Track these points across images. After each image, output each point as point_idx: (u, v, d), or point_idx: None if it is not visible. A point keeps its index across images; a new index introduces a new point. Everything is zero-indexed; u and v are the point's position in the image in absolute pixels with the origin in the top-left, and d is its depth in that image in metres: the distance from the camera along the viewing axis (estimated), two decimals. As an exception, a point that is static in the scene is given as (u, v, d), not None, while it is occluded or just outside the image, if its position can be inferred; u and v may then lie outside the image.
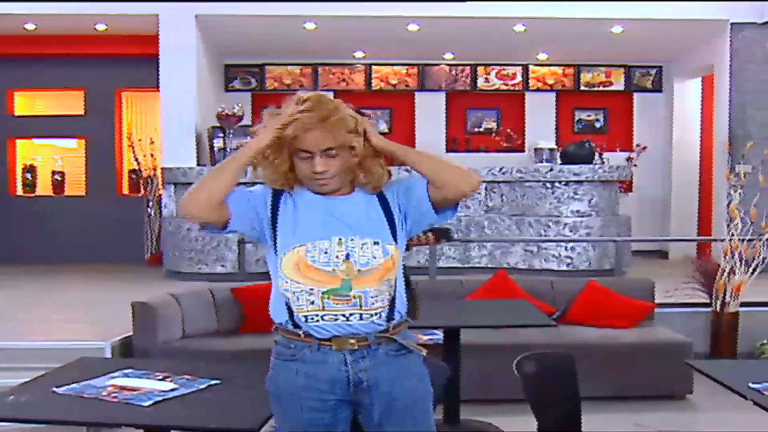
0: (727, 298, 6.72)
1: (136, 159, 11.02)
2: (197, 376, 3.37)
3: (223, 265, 8.79)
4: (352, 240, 2.59)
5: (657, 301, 6.61)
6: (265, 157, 2.62)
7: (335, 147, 2.57)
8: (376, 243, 2.60)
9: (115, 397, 3.11)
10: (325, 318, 2.59)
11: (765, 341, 6.71)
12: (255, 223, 2.65)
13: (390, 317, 2.65)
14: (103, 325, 6.35)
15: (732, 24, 9.85)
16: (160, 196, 10.23)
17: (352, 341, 2.61)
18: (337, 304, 2.58)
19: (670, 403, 5.80)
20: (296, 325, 2.63)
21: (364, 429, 2.69)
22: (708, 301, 6.85)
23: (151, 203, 10.78)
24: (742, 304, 6.78)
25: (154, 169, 10.73)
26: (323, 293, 2.57)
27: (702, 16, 9.73)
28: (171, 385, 3.24)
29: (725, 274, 6.72)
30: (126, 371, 3.45)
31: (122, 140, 11.48)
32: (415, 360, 2.71)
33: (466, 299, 6.34)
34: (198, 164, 9.50)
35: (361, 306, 2.59)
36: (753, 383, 3.19)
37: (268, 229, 2.64)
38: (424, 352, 2.74)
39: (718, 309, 6.75)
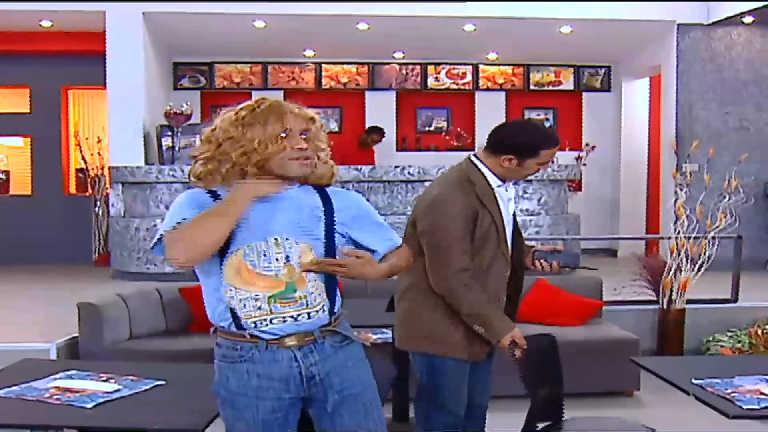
0: (674, 296, 6.79)
1: (83, 158, 10.88)
2: (142, 376, 3.33)
3: (171, 265, 8.67)
4: (287, 240, 2.59)
5: (605, 299, 6.65)
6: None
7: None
8: (297, 242, 2.61)
9: (57, 399, 3.06)
10: (274, 321, 2.60)
11: (711, 338, 6.79)
12: None
13: (332, 311, 2.68)
14: (48, 327, 6.26)
15: (679, 25, 9.97)
16: (107, 195, 10.08)
17: (299, 337, 2.62)
18: (283, 306, 2.59)
19: (618, 399, 5.86)
20: (240, 327, 2.62)
21: (317, 422, 2.71)
22: (655, 298, 6.91)
23: (98, 202, 10.64)
24: (689, 301, 6.85)
25: (102, 168, 10.60)
26: (269, 297, 2.58)
27: (649, 17, 9.84)
28: (115, 387, 3.20)
29: (672, 272, 6.78)
30: (69, 373, 3.40)
31: (69, 139, 11.31)
32: (357, 348, 2.75)
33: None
34: (146, 163, 9.37)
35: (307, 305, 2.61)
36: (696, 379, 3.23)
37: None
38: (368, 343, 2.78)
39: (664, 306, 6.82)
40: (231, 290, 2.59)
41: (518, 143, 3.55)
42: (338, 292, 2.75)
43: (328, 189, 2.74)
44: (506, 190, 3.64)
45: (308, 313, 2.62)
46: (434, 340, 3.58)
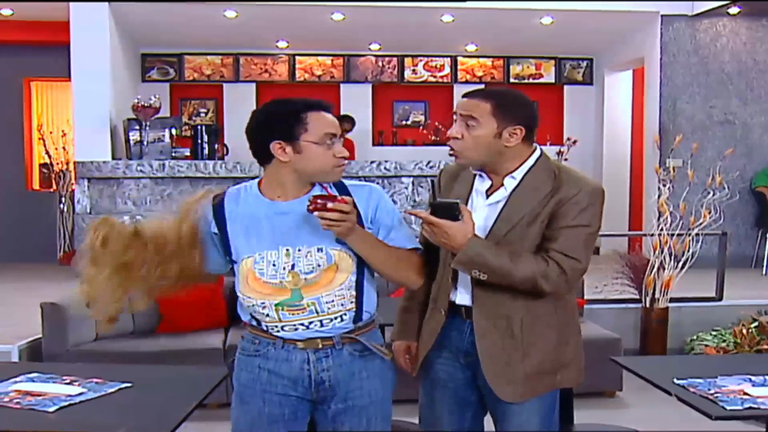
0: (657, 294, 6.69)
1: (47, 152, 10.65)
2: (107, 379, 3.15)
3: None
4: (299, 250, 2.55)
5: (586, 297, 6.57)
6: None
7: None
8: (319, 249, 2.55)
9: (17, 403, 2.88)
10: (285, 329, 2.58)
11: (694, 337, 6.70)
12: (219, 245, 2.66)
13: (357, 318, 2.62)
14: (10, 328, 6.09)
15: (662, 16, 9.87)
16: (73, 191, 9.88)
17: (317, 341, 2.59)
18: (292, 314, 2.56)
19: (600, 400, 5.77)
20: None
21: (318, 425, 2.71)
22: (638, 296, 6.81)
23: (63, 199, 10.43)
24: (672, 300, 6.76)
25: (67, 163, 10.39)
26: (276, 305, 2.55)
27: (632, 8, 9.74)
28: (78, 390, 3.03)
29: (655, 270, 6.68)
30: (31, 375, 3.22)
31: (32, 132, 11.09)
32: (378, 362, 2.68)
33: (391, 296, 6.18)
34: (113, 158, 9.16)
35: (317, 312, 2.56)
36: (678, 379, 3.14)
37: (219, 243, 2.63)
38: (390, 356, 2.72)
39: (647, 305, 6.72)
40: (240, 296, 2.66)
41: None
42: (373, 300, 2.70)
43: (347, 185, 2.67)
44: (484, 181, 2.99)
45: (321, 321, 2.59)
46: None
